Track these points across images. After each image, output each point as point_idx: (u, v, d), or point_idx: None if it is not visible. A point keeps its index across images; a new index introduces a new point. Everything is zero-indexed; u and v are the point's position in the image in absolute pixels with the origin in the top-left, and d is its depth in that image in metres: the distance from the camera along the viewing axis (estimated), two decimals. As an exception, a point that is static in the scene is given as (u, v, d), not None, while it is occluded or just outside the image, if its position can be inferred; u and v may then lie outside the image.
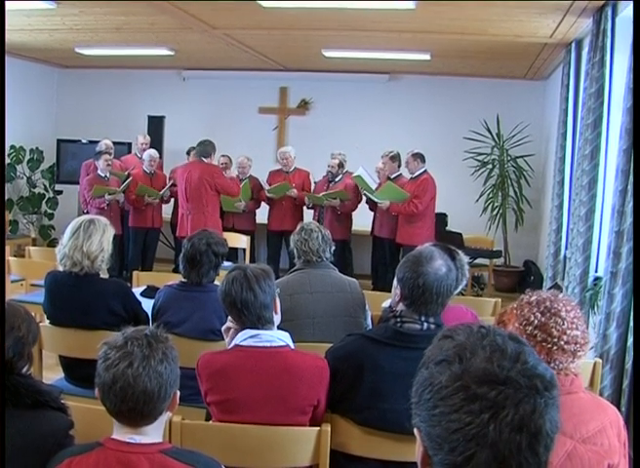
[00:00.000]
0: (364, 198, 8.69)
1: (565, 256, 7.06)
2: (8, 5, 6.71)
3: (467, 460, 1.15)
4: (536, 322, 2.10)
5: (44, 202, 11.25)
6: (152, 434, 1.96)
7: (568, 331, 2.07)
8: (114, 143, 9.53)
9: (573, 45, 7.32)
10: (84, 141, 10.92)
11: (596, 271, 5.95)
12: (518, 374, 1.17)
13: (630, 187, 4.39)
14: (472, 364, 1.19)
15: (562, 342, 2.06)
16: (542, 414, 1.17)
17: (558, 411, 1.21)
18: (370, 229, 9.03)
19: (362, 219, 9.07)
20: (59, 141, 11.24)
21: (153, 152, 9.04)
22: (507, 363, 1.18)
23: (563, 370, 2.07)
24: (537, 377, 1.19)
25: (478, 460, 1.15)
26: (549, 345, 2.06)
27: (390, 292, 3.18)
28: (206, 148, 7.77)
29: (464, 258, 3.60)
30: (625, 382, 4.36)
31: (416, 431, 1.28)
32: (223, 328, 2.97)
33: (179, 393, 2.03)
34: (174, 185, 8.72)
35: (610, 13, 5.59)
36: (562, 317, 2.08)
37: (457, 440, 1.16)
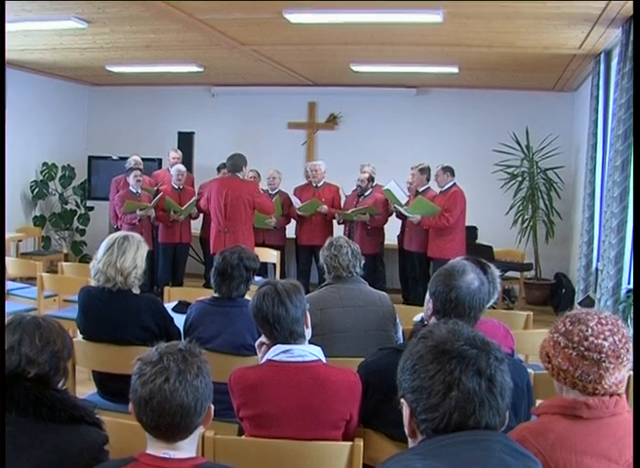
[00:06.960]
0: (394, 211, 8.67)
1: (597, 269, 6.99)
2: (41, 25, 6.84)
3: (442, 399, 1.60)
4: (562, 329, 2.09)
5: (75, 218, 11.36)
6: (186, 449, 1.96)
7: (590, 338, 2.02)
8: (144, 160, 9.61)
9: (602, 56, 7.28)
10: (114, 158, 11.01)
11: (629, 283, 5.88)
12: (474, 339, 1.67)
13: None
14: (440, 333, 1.70)
15: (582, 348, 2.02)
16: (496, 366, 1.63)
17: (508, 372, 1.66)
18: (397, 243, 9.02)
19: (389, 233, 9.04)
20: (90, 158, 11.35)
21: (181, 167, 9.03)
22: (466, 333, 1.69)
23: (592, 384, 2.00)
24: (489, 343, 1.68)
25: (450, 397, 1.59)
26: (569, 350, 2.04)
27: (420, 305, 3.18)
28: (237, 162, 7.58)
29: (496, 272, 3.58)
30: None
31: (402, 401, 1.70)
32: (257, 343, 2.96)
33: (213, 407, 2.03)
34: (198, 201, 8.69)
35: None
36: (588, 326, 2.04)
37: (432, 384, 1.61)
